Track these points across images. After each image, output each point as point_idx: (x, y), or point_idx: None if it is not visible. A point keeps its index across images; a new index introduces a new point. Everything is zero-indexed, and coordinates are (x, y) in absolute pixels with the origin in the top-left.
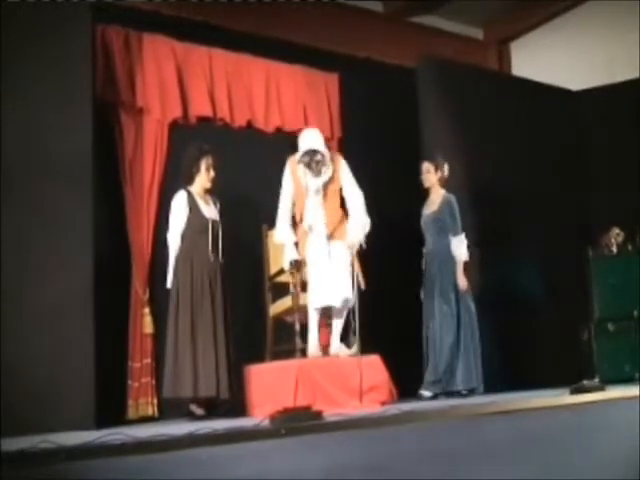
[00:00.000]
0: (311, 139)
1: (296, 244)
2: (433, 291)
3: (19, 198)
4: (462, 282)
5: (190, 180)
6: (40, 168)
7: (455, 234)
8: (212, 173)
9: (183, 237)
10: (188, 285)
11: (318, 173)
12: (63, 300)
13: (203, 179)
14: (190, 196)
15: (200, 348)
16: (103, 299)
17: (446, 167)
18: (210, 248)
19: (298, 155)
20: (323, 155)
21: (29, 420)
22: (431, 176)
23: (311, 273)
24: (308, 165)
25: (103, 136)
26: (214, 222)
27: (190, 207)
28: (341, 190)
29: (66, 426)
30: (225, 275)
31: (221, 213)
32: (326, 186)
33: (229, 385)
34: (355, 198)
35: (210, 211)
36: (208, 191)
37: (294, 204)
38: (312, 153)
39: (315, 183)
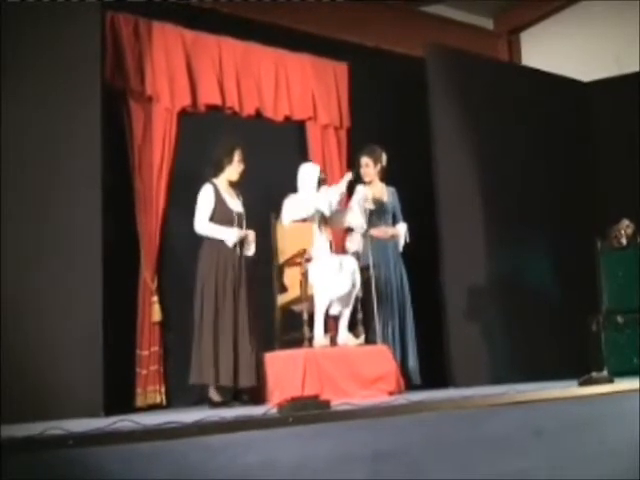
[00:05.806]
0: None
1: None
2: (391, 279)
3: (26, 184)
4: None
5: (218, 172)
6: (49, 155)
7: (399, 221)
8: (242, 166)
9: None
10: (213, 276)
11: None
12: (72, 288)
13: (233, 171)
14: (216, 189)
15: (222, 337)
16: (112, 287)
17: (384, 158)
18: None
19: (317, 172)
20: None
21: (38, 407)
22: (370, 170)
23: (318, 266)
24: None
25: (112, 124)
26: (239, 214)
27: (216, 200)
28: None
29: (75, 413)
30: (249, 267)
31: (245, 206)
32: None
33: (257, 374)
34: None
35: (235, 204)
36: (233, 184)
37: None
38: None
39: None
